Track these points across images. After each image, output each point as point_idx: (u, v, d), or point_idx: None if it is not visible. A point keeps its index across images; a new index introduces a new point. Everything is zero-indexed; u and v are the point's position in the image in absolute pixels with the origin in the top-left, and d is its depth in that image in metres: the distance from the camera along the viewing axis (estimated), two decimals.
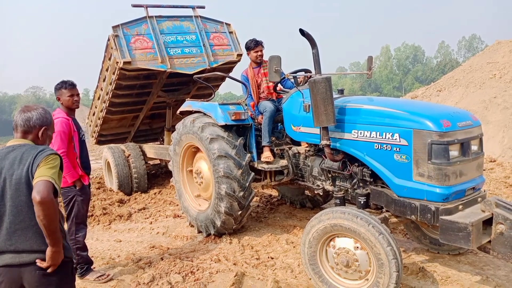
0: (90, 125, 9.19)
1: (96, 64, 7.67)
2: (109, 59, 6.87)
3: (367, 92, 72.20)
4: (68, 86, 3.78)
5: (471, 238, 2.80)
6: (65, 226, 2.46)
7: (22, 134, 2.22)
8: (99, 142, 9.18)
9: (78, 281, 3.65)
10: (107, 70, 7.16)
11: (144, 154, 8.12)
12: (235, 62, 7.63)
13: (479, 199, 3.23)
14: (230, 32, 7.47)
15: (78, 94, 3.86)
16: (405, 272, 3.65)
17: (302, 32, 3.65)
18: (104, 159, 8.38)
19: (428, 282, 3.53)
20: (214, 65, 7.08)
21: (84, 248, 3.92)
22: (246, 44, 5.13)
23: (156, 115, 8.80)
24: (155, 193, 7.66)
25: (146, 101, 8.02)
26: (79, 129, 3.84)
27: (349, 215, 3.07)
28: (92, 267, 4.01)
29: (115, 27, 6.47)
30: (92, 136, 9.17)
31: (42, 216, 1.99)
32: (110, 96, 7.34)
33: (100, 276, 3.86)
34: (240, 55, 7.35)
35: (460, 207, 3.07)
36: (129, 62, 6.39)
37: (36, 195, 1.98)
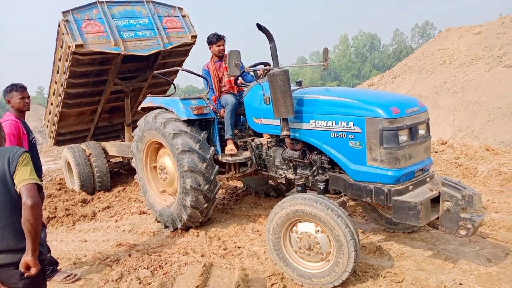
0: (47, 126, 8.91)
1: (49, 62, 7.47)
2: (61, 46, 6.75)
3: (327, 81, 73.28)
4: (18, 88, 3.76)
5: (421, 216, 3.03)
6: None
7: None
8: (58, 143, 8.92)
9: None
10: (60, 59, 7.02)
11: (105, 152, 7.99)
12: (190, 44, 7.67)
13: (428, 179, 3.48)
14: (183, 16, 7.52)
15: (28, 97, 3.86)
16: (364, 252, 3.88)
17: (259, 26, 3.73)
18: (64, 159, 8.17)
19: (384, 259, 3.77)
20: (169, 47, 7.13)
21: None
22: (208, 38, 5.14)
23: (115, 109, 8.67)
24: (119, 191, 7.58)
25: (103, 91, 7.88)
26: (29, 131, 3.82)
27: (309, 201, 3.23)
28: (58, 268, 3.98)
29: (65, 13, 6.36)
30: (50, 137, 8.90)
31: (33, 219, 2.00)
32: (65, 86, 7.19)
33: (67, 276, 3.84)
34: (194, 37, 7.41)
35: (411, 187, 3.31)
36: (81, 45, 6.31)
37: (27, 200, 1.99)
